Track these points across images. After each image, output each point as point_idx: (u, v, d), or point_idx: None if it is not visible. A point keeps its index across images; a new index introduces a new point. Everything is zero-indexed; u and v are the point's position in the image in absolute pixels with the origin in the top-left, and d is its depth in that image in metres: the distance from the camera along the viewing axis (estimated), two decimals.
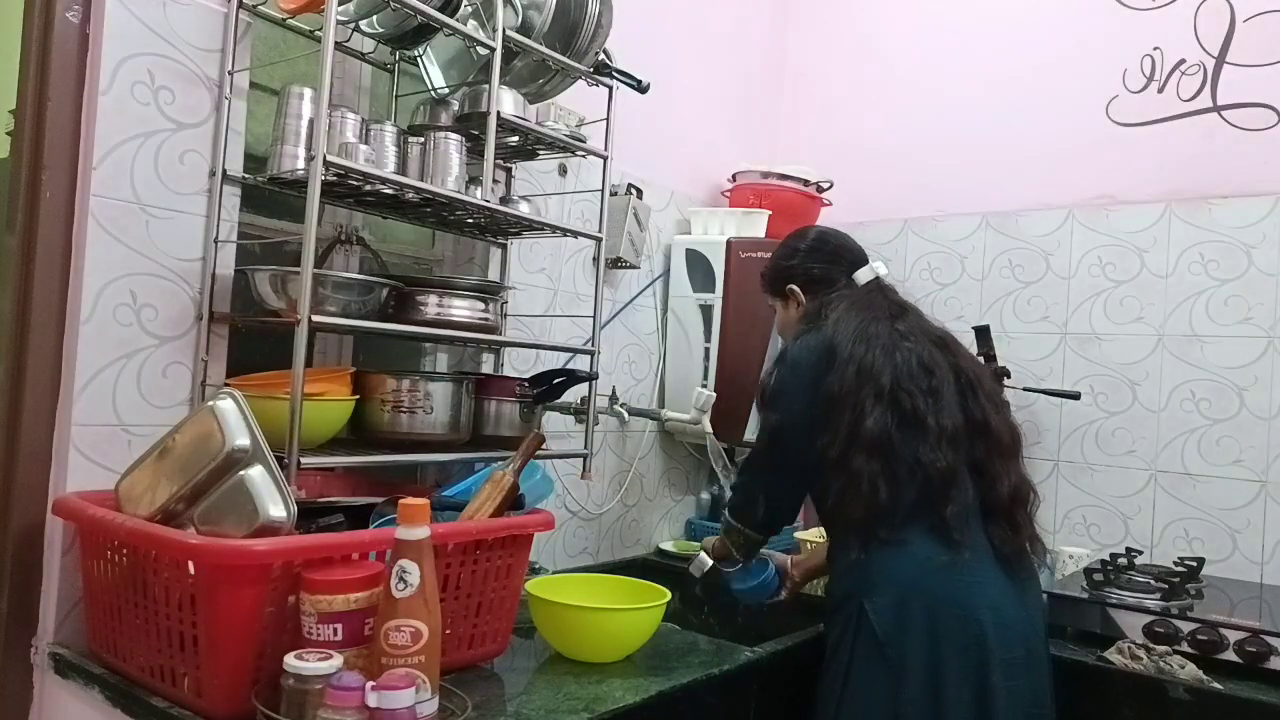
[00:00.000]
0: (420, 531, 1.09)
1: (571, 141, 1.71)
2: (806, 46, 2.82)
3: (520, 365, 1.93)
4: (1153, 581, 1.79)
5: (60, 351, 1.32)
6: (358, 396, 1.47)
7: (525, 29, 1.60)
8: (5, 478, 1.32)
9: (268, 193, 1.49)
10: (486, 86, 1.50)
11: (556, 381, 1.71)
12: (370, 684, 0.99)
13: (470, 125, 1.58)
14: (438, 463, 1.69)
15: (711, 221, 2.34)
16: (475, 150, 1.57)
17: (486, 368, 1.91)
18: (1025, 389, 2.21)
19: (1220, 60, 2.13)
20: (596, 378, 1.77)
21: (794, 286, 1.69)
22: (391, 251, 1.86)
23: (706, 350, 2.28)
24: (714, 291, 2.27)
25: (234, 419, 1.15)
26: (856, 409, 1.43)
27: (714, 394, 2.08)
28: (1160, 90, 2.20)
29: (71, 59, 1.31)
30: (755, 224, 2.30)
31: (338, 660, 1.04)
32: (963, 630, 1.37)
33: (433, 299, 1.51)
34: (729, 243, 2.25)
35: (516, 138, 1.69)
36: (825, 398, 1.46)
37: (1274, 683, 1.51)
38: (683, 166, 2.46)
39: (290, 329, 1.25)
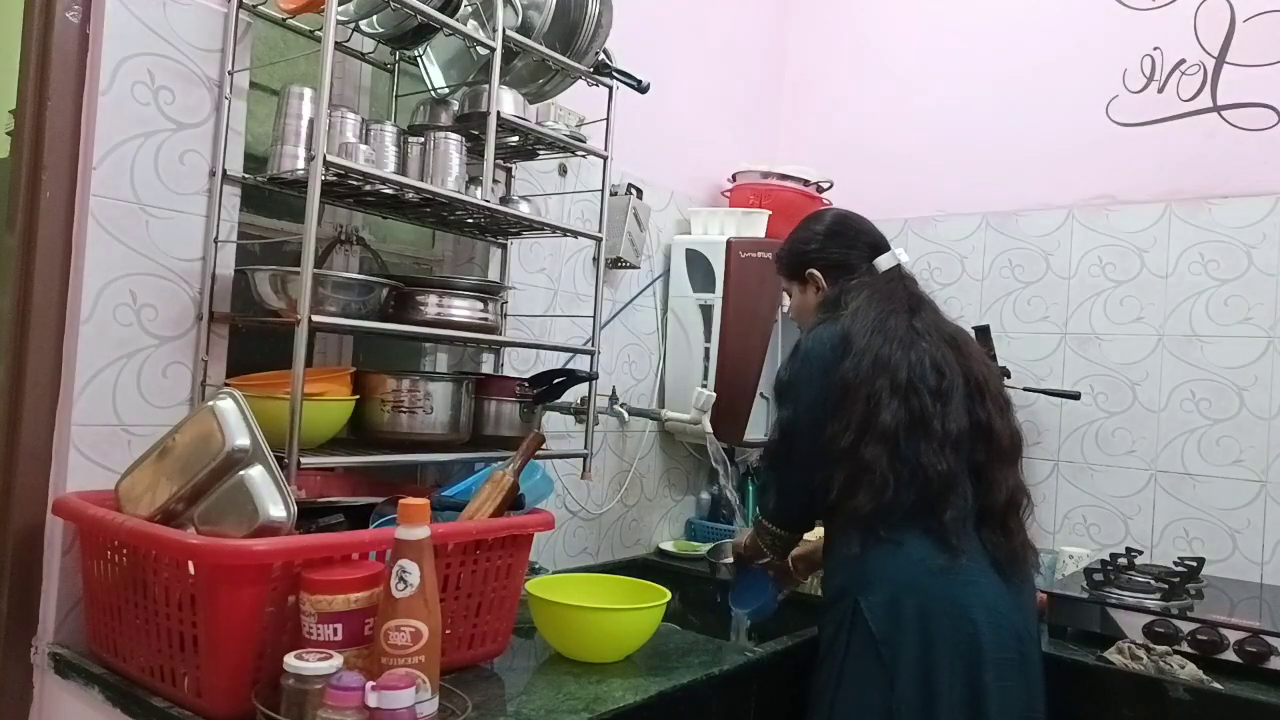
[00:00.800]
0: (420, 531, 1.09)
1: (571, 141, 1.71)
2: (806, 47, 2.82)
3: (520, 365, 1.93)
4: (1153, 581, 1.79)
5: (60, 351, 1.32)
6: (358, 396, 1.47)
7: (525, 29, 1.60)
8: (5, 478, 1.32)
9: (268, 193, 1.49)
10: (486, 86, 1.50)
11: (556, 381, 1.71)
12: (370, 684, 0.99)
13: (470, 125, 1.58)
14: (438, 463, 1.69)
15: (711, 221, 2.34)
16: (475, 150, 1.57)
17: (486, 368, 1.91)
18: (1025, 389, 2.22)
19: (1220, 60, 2.13)
20: (596, 378, 1.77)
21: (814, 271, 1.65)
22: (391, 251, 1.86)
23: (706, 350, 2.28)
24: (714, 291, 2.27)
25: (234, 419, 1.15)
26: (871, 400, 1.42)
27: (714, 394, 2.08)
28: (1160, 90, 2.20)
29: (71, 59, 1.31)
30: (755, 224, 2.30)
31: (338, 660, 1.04)
32: (956, 629, 1.37)
33: (433, 299, 1.51)
34: (729, 243, 2.25)
35: (516, 138, 1.68)
36: (839, 385, 1.44)
37: (1274, 683, 1.51)
38: (683, 166, 2.46)
39: (290, 329, 1.25)
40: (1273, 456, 2.00)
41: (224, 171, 1.43)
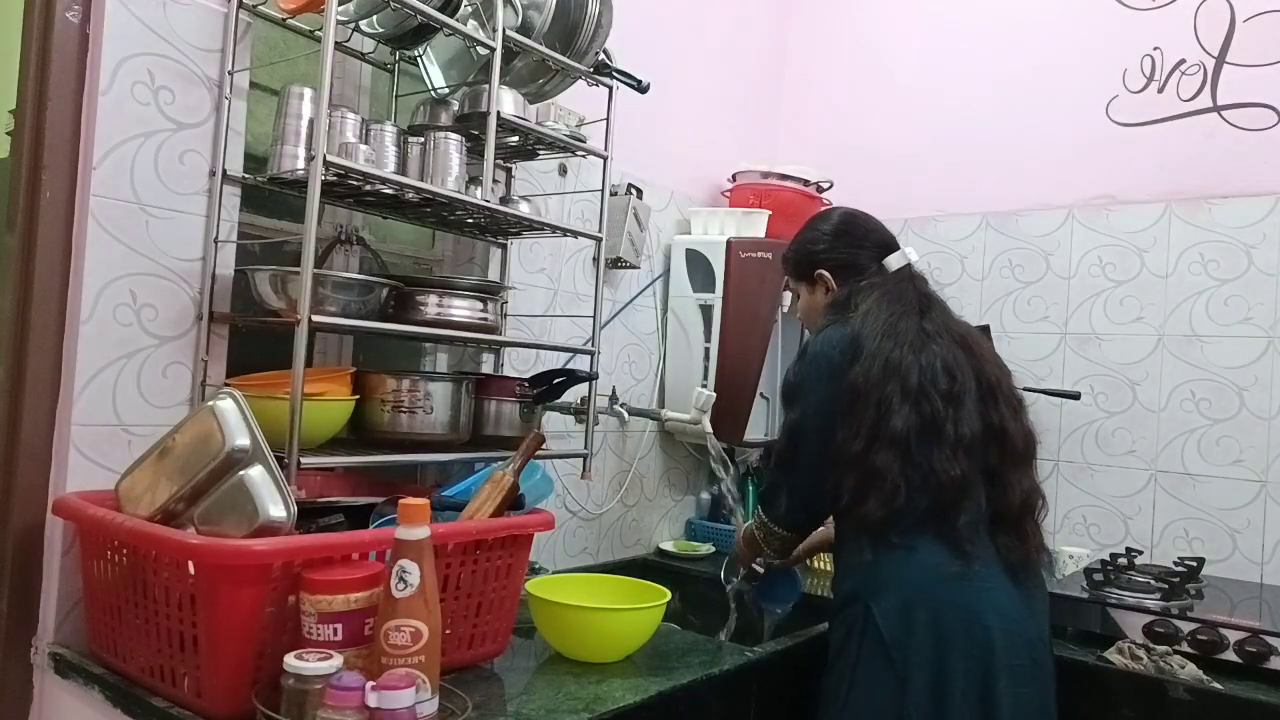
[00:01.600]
0: (420, 531, 1.09)
1: (571, 141, 1.71)
2: (806, 47, 2.82)
3: (520, 365, 1.93)
4: (1153, 581, 1.79)
5: (60, 351, 1.32)
6: (358, 396, 1.47)
7: (525, 29, 1.60)
8: (5, 478, 1.32)
9: (268, 193, 1.49)
10: (486, 86, 1.50)
11: (556, 381, 1.71)
12: (370, 684, 0.99)
13: (470, 125, 1.58)
14: (438, 463, 1.69)
15: (711, 221, 2.34)
16: (475, 150, 1.57)
17: (486, 368, 1.91)
18: (1025, 389, 2.18)
19: (1220, 60, 2.13)
20: (596, 378, 1.77)
21: (824, 271, 1.62)
22: (391, 251, 1.86)
23: (706, 350, 2.28)
24: (714, 291, 2.27)
25: (234, 419, 1.15)
26: (882, 406, 1.40)
27: (714, 394, 2.07)
28: (1160, 90, 2.20)
29: (71, 59, 1.31)
30: (755, 224, 2.30)
31: (338, 660, 1.04)
32: (969, 635, 1.35)
33: (433, 299, 1.51)
34: (729, 243, 2.25)
35: (516, 138, 1.68)
36: (849, 390, 1.43)
37: (1274, 683, 1.51)
38: (683, 166, 2.46)
39: (290, 329, 1.25)
40: (1273, 456, 2.00)
41: (224, 171, 1.43)
